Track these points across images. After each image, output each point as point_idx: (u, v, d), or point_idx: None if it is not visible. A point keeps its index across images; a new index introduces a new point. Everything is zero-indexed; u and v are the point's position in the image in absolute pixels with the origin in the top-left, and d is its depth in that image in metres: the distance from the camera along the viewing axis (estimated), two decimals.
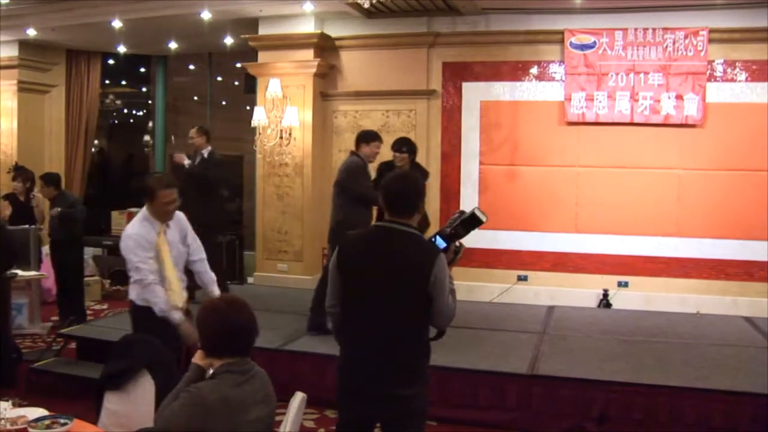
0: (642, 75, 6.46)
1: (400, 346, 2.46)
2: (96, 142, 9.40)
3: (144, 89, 9.94)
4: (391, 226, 2.53)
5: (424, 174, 5.09)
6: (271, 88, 6.88)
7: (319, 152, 7.27)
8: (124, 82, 10.04)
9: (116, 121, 10.35)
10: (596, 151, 6.67)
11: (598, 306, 6.47)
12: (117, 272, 7.49)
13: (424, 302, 2.44)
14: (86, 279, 6.88)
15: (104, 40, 7.95)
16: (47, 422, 2.44)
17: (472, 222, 2.56)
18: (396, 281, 2.39)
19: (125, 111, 10.35)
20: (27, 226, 6.04)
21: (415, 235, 2.51)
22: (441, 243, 2.54)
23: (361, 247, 2.58)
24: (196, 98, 9.64)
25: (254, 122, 6.87)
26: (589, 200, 6.67)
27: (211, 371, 2.21)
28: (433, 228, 4.49)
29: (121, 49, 8.50)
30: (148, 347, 2.94)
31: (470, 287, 6.66)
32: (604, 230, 6.67)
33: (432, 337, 2.55)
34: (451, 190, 6.99)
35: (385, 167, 4.98)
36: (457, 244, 2.54)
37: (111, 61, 9.26)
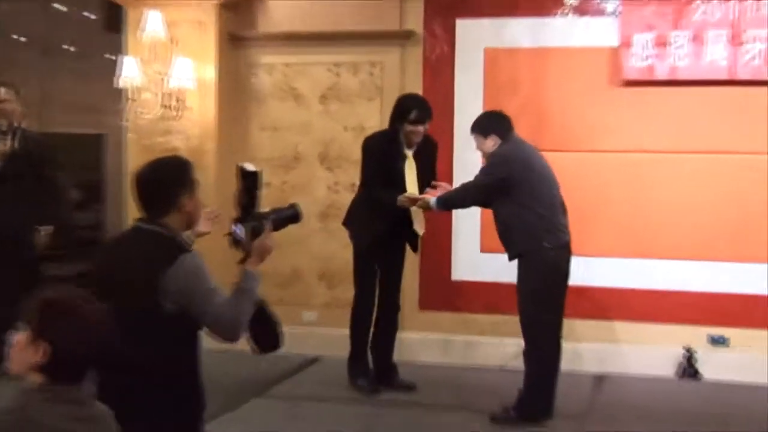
0: (751, 1, 5.75)
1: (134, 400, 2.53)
2: None
3: None
4: (137, 226, 2.71)
5: (434, 145, 5.16)
6: (149, 26, 6.00)
7: (229, 130, 6.53)
8: None
9: None
10: (671, 128, 5.98)
11: (678, 375, 5.87)
12: None
13: (166, 328, 2.56)
14: None
15: None
16: None
17: (293, 220, 2.94)
18: (121, 301, 2.42)
19: None
20: None
21: (159, 236, 2.64)
22: (238, 232, 2.75)
23: (102, 257, 2.84)
24: (21, 38, 8.94)
25: (121, 81, 6.04)
26: (658, 205, 6.03)
27: None
28: None
29: None
30: None
31: (468, 344, 6.08)
32: (685, 253, 5.98)
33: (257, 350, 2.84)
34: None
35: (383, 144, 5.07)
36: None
37: None
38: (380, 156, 5.01)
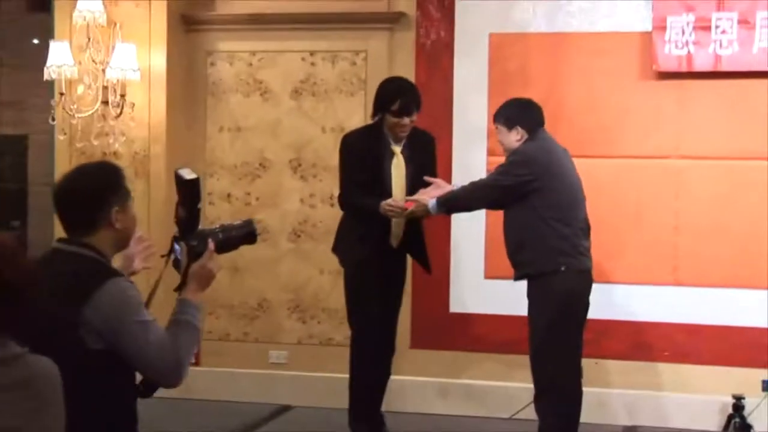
0: None
1: None
2: None
3: None
4: (56, 247, 2.69)
5: (431, 140, 5.15)
6: (83, 5, 5.95)
7: (181, 131, 6.40)
8: None
9: None
10: (714, 129, 5.88)
11: (725, 429, 5.52)
12: None
13: (91, 372, 2.48)
14: None
15: None
16: None
17: (247, 240, 2.87)
18: (37, 339, 2.24)
19: None
20: None
21: (82, 258, 2.60)
22: (179, 250, 2.73)
23: None
24: None
25: (49, 71, 5.98)
26: (701, 222, 5.92)
27: None
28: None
29: None
30: None
31: (469, 389, 5.99)
32: (734, 280, 5.83)
33: (142, 391, 2.69)
34: None
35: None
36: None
37: None
38: (362, 154, 4.83)
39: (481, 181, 4.75)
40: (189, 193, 2.75)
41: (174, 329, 2.60)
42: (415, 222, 4.76)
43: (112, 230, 2.62)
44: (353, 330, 5.03)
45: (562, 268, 4.34)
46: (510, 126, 4.63)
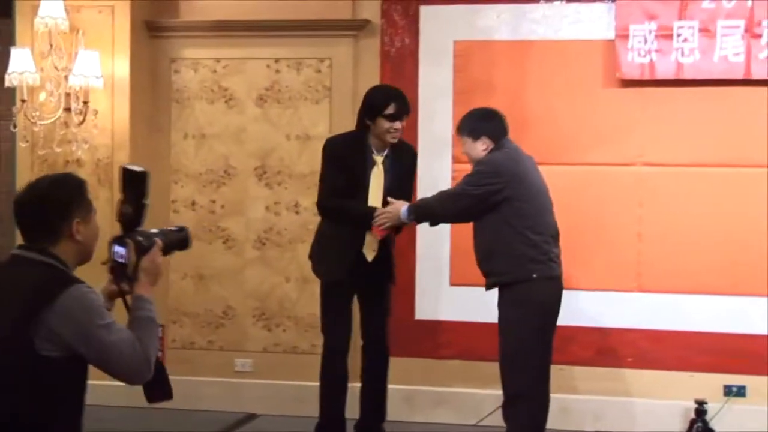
0: None
1: None
2: None
3: None
4: (15, 254, 2.67)
5: (413, 154, 5.12)
6: (46, 11, 5.91)
7: (145, 138, 6.37)
8: None
9: None
10: (676, 136, 5.92)
11: None
12: None
13: (43, 382, 2.51)
14: None
15: None
16: None
17: (181, 246, 2.88)
18: None
19: None
20: None
21: (41, 265, 2.59)
22: (120, 252, 2.69)
23: None
24: None
25: (10, 78, 5.96)
26: (664, 229, 5.95)
27: None
28: None
29: None
30: None
31: (436, 396, 5.99)
32: (697, 286, 5.89)
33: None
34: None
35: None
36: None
37: None
38: (345, 160, 4.82)
39: (449, 190, 4.72)
40: (136, 187, 2.73)
41: (136, 326, 2.59)
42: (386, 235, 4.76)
43: (73, 242, 2.61)
44: (325, 335, 5.00)
45: (534, 276, 4.34)
46: (475, 137, 4.62)
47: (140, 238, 2.70)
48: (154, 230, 2.80)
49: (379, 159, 4.82)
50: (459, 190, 4.61)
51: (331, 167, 4.90)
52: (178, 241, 2.85)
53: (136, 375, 2.60)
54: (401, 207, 4.58)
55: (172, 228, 2.89)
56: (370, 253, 4.85)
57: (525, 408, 4.39)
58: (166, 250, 2.79)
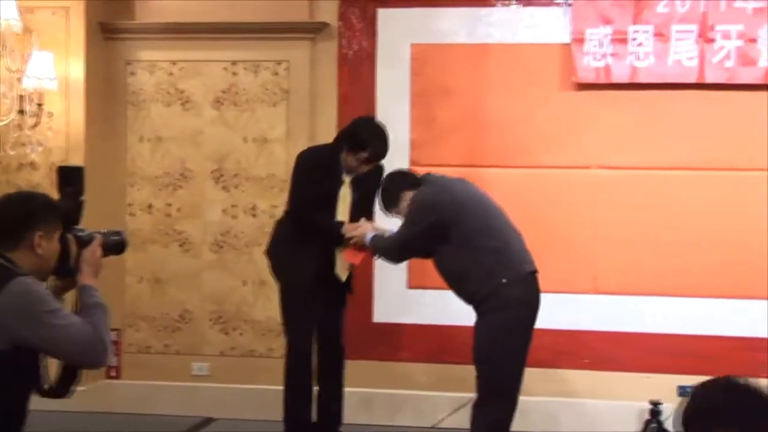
0: None
1: None
2: None
3: None
4: None
5: (380, 170, 5.02)
6: None
7: (100, 141, 6.32)
8: None
9: None
10: (632, 139, 5.96)
11: None
12: None
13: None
14: None
15: None
16: None
17: (116, 249, 2.90)
18: None
19: None
20: None
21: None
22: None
23: None
24: None
25: None
26: (619, 231, 5.99)
27: None
28: None
29: None
30: None
31: (393, 399, 5.98)
32: (651, 289, 5.92)
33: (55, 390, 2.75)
34: None
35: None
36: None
37: None
38: (318, 175, 4.82)
39: (394, 236, 4.74)
40: (73, 183, 2.75)
41: (85, 313, 2.62)
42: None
43: (32, 254, 2.63)
44: (289, 337, 4.98)
45: (504, 281, 4.32)
46: (397, 201, 4.66)
47: (80, 233, 2.73)
48: (92, 231, 2.83)
49: (347, 180, 4.83)
50: (402, 237, 4.62)
51: (306, 179, 4.89)
52: (114, 243, 2.86)
53: (91, 357, 2.60)
54: (368, 230, 4.61)
55: (110, 231, 2.91)
56: (343, 273, 4.88)
57: (495, 408, 4.41)
58: (104, 251, 2.81)
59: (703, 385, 1.98)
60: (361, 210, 4.77)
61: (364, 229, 4.62)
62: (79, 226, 2.78)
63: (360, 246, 4.69)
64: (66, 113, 6.11)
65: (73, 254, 2.71)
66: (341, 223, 4.64)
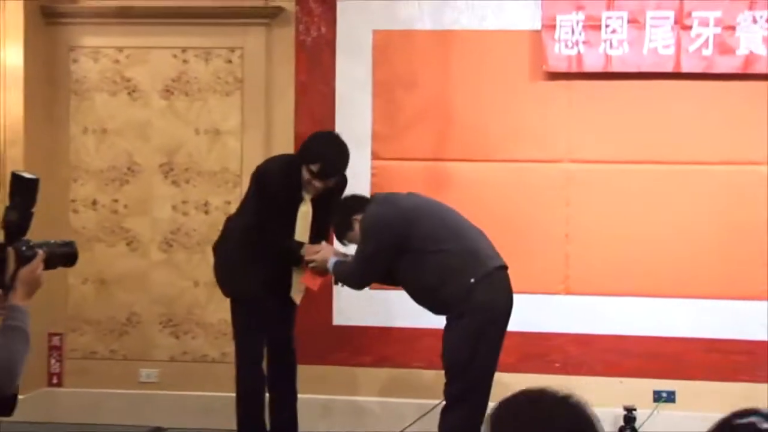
0: None
1: None
2: None
3: None
4: None
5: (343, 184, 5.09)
6: None
7: (41, 132, 6.23)
8: None
9: None
10: (606, 131, 5.97)
11: None
12: None
13: None
14: None
15: None
16: None
17: (67, 261, 2.91)
18: None
19: None
20: None
21: None
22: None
23: None
24: None
25: None
26: (591, 230, 5.99)
27: None
28: None
29: None
30: None
31: (354, 406, 5.98)
32: (625, 289, 5.92)
33: None
34: None
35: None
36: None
37: None
38: (279, 192, 4.80)
39: (352, 260, 4.76)
40: (25, 194, 2.77)
41: (6, 334, 2.62)
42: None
43: None
44: (238, 345, 4.98)
45: (472, 280, 4.34)
46: (350, 227, 4.67)
47: (23, 248, 2.72)
48: (40, 242, 2.83)
49: (307, 197, 4.82)
50: (360, 259, 4.64)
51: (268, 196, 4.88)
52: (62, 255, 2.87)
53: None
54: (329, 255, 4.62)
55: (59, 241, 2.91)
56: (297, 296, 4.89)
57: (466, 412, 4.42)
58: (49, 264, 2.80)
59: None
60: (321, 225, 4.76)
61: (326, 254, 4.63)
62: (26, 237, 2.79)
63: (320, 271, 4.67)
64: (3, 103, 5.93)
65: (10, 270, 2.71)
66: (300, 244, 4.64)
